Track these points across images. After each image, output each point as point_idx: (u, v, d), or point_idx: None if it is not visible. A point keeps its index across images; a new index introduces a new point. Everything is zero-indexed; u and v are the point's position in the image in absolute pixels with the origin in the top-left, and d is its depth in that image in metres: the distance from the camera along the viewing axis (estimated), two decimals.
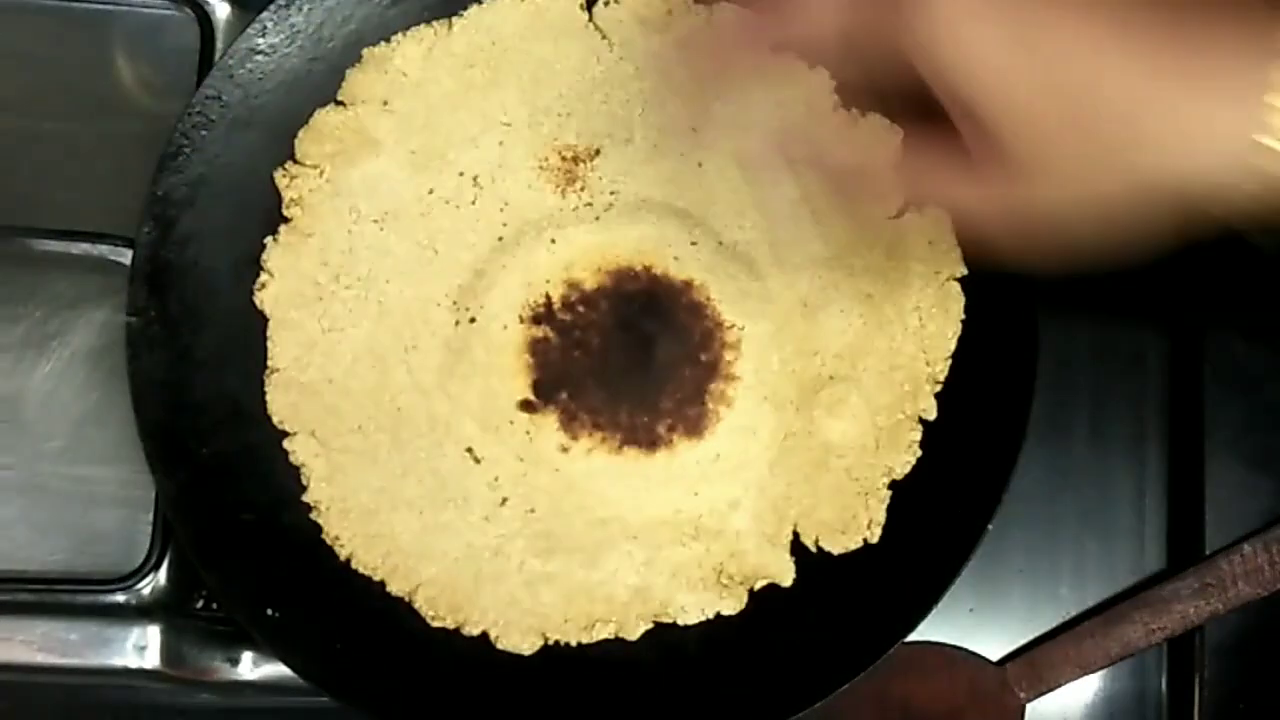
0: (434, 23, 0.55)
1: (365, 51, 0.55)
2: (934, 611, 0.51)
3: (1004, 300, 0.53)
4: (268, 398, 0.52)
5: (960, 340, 0.54)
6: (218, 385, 0.53)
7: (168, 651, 0.55)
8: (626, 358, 0.53)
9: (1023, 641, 0.58)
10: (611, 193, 0.54)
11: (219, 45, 0.60)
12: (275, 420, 0.52)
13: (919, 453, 0.53)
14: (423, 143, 0.54)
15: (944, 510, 0.53)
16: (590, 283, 0.53)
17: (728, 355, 0.53)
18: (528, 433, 0.52)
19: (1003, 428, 0.52)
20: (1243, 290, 0.59)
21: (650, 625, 0.52)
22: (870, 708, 0.56)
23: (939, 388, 0.54)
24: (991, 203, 0.42)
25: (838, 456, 0.53)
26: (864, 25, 0.43)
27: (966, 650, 0.57)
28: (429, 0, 0.56)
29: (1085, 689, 0.58)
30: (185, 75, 0.59)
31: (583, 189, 0.54)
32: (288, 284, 0.53)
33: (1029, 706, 0.56)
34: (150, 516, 0.55)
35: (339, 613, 0.52)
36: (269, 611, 0.51)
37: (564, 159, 0.55)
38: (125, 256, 0.54)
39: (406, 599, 0.51)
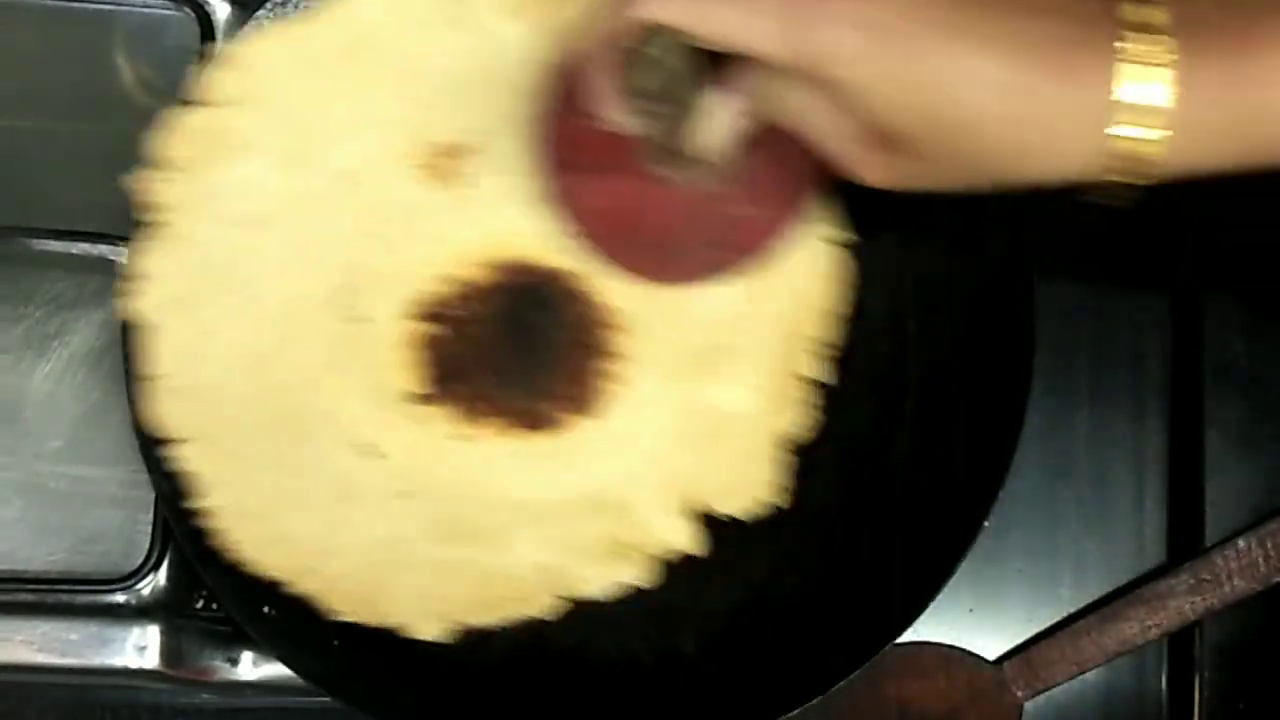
0: (297, 17, 0.54)
1: (226, 48, 0.54)
2: (933, 612, 0.51)
3: (1000, 295, 0.53)
4: (148, 406, 0.51)
5: (957, 337, 0.54)
6: None
7: (168, 651, 0.55)
8: (516, 346, 0.53)
9: (1022, 641, 0.57)
10: (490, 186, 0.54)
11: (219, 45, 0.60)
12: (161, 428, 0.51)
13: (811, 413, 0.54)
14: (294, 142, 0.53)
15: (939, 508, 0.52)
16: (475, 277, 0.53)
17: (611, 336, 0.53)
18: (423, 424, 0.52)
19: (998, 423, 0.52)
20: (1243, 286, 0.59)
21: (559, 602, 0.52)
22: (868, 707, 0.56)
23: (827, 350, 0.54)
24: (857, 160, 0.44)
25: (730, 422, 0.53)
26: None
27: (963, 650, 0.57)
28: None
29: (1085, 689, 0.57)
30: (185, 75, 0.59)
31: (460, 183, 0.54)
32: (163, 290, 0.52)
33: (1028, 706, 0.56)
34: (150, 516, 0.55)
35: None
36: (266, 610, 0.51)
37: (439, 154, 0.54)
38: (125, 256, 0.54)
39: (314, 597, 0.50)
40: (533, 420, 0.53)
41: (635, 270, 0.52)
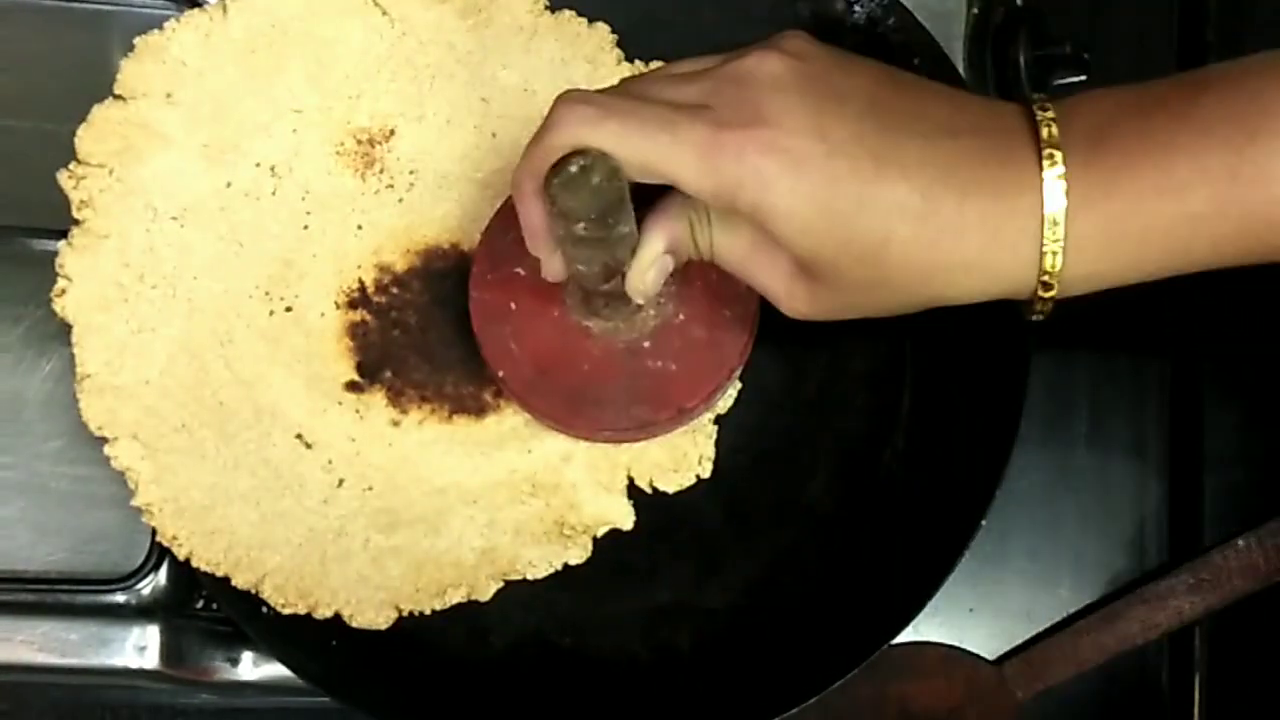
0: (209, 7, 0.54)
1: (139, 40, 0.53)
2: (933, 612, 0.51)
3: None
4: (81, 404, 0.51)
5: (955, 336, 0.54)
6: None
7: (168, 651, 0.55)
8: (445, 332, 0.53)
9: (1022, 641, 0.57)
10: (411, 172, 0.54)
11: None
12: (92, 426, 0.51)
13: (738, 385, 0.54)
14: (213, 134, 0.53)
15: (938, 507, 0.52)
16: (401, 264, 0.54)
17: None
18: (357, 412, 0.52)
19: (997, 423, 0.52)
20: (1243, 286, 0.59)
21: (501, 584, 0.52)
22: (867, 707, 0.56)
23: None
24: (787, 288, 0.45)
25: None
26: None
27: (963, 649, 0.57)
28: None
29: (1085, 688, 0.57)
30: None
31: (382, 171, 0.54)
32: (88, 288, 0.51)
33: (1027, 706, 0.56)
34: None
35: None
36: (265, 610, 0.51)
37: (359, 142, 0.54)
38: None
39: (254, 591, 0.50)
40: (464, 405, 0.53)
41: (557, 421, 0.52)
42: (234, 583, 0.50)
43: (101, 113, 0.52)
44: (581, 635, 0.53)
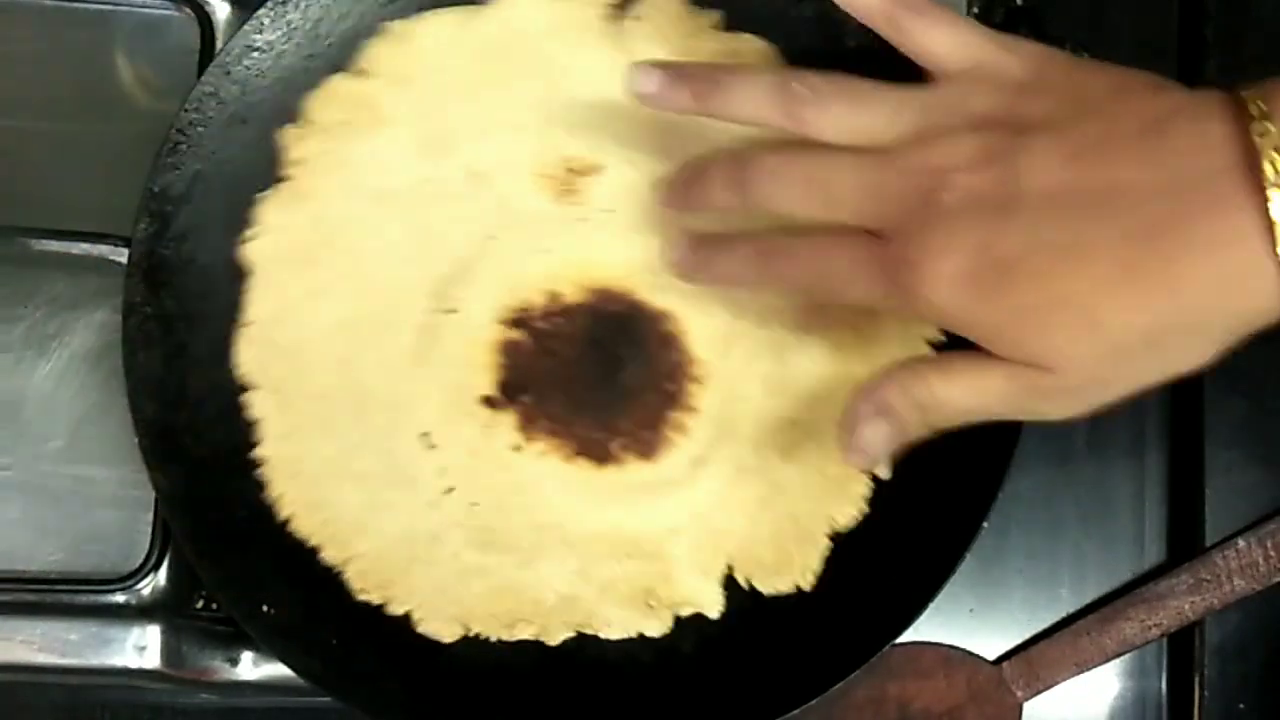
0: (461, 6, 0.55)
1: (388, 24, 0.54)
2: (933, 612, 0.51)
3: None
4: (236, 349, 0.52)
5: (954, 335, 0.54)
6: (214, 381, 0.53)
7: (168, 651, 0.55)
8: (593, 373, 0.53)
9: (1022, 641, 0.57)
10: (607, 210, 0.54)
11: (219, 45, 0.60)
12: (239, 373, 0.52)
13: (865, 509, 0.53)
14: (432, 128, 0.54)
15: (940, 508, 0.52)
16: (571, 296, 0.53)
17: (691, 388, 0.53)
18: (485, 427, 0.52)
19: (998, 423, 0.52)
20: None
21: (572, 633, 0.52)
22: (867, 708, 0.56)
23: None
24: (1004, 389, 0.43)
25: (784, 499, 0.53)
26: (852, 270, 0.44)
27: (963, 650, 0.57)
28: (425, 2, 0.56)
29: (1085, 689, 0.57)
30: (185, 75, 0.59)
31: (580, 202, 0.54)
32: (276, 240, 0.53)
33: (1027, 706, 0.56)
34: (150, 516, 0.55)
35: (335, 610, 0.52)
36: (265, 609, 0.51)
37: (567, 169, 0.54)
38: (125, 256, 0.54)
39: (337, 569, 0.51)
40: (589, 449, 0.52)
41: None
42: (321, 555, 0.51)
43: (337, 82, 0.54)
44: (583, 635, 0.53)
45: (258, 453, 0.52)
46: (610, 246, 0.53)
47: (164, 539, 0.55)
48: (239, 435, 0.53)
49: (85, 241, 0.56)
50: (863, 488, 0.53)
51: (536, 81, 0.54)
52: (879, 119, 0.44)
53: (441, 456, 0.52)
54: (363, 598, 0.51)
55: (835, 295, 0.46)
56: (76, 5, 0.61)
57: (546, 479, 0.52)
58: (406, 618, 0.51)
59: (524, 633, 0.51)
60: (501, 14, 0.55)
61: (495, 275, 0.53)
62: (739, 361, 0.53)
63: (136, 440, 0.52)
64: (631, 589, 0.52)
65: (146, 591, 0.55)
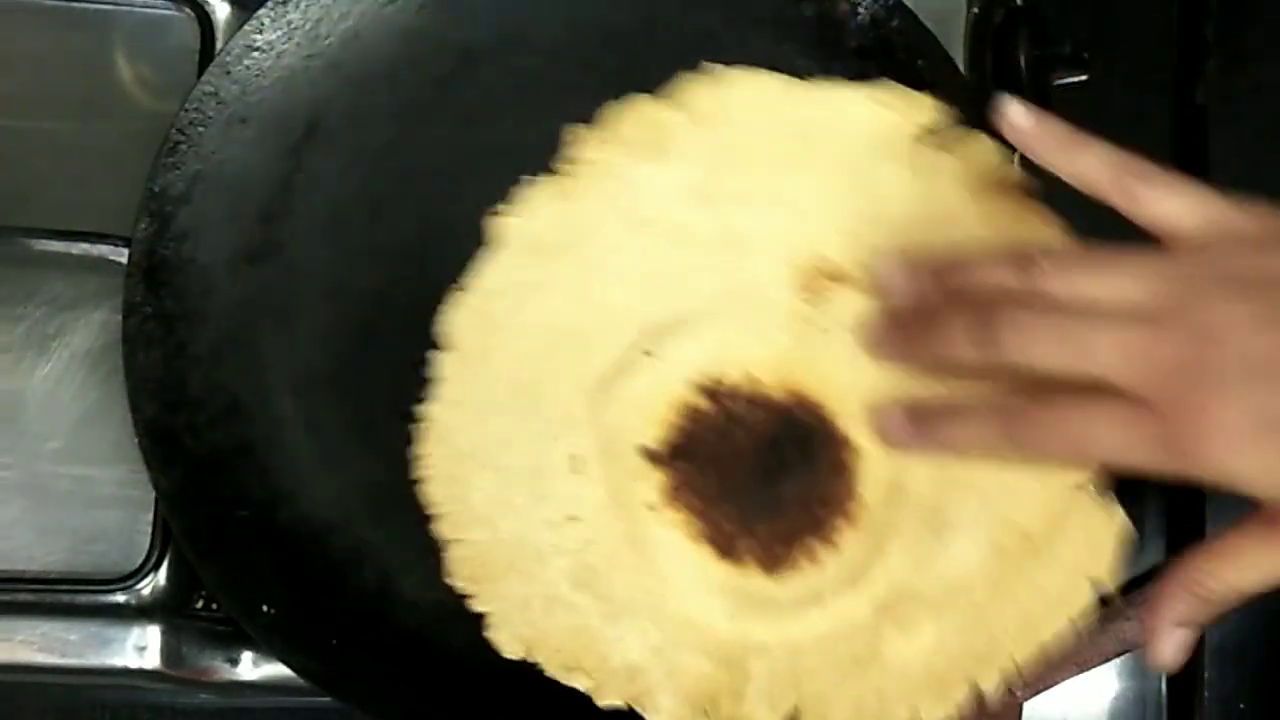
0: (782, 74, 0.54)
1: (709, 65, 0.53)
2: None
3: None
4: (448, 308, 0.52)
5: None
6: (214, 381, 0.53)
7: (168, 651, 0.55)
8: (757, 470, 0.51)
9: None
10: (836, 321, 0.52)
11: (219, 45, 0.60)
12: (442, 330, 0.52)
13: (953, 715, 0.50)
14: (714, 177, 0.53)
15: None
16: (772, 390, 0.52)
17: (840, 523, 0.51)
18: (633, 476, 0.51)
19: None
20: None
21: (622, 704, 0.50)
22: None
23: (1011, 673, 0.50)
24: None
25: (880, 673, 0.50)
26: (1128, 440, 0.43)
27: None
28: (424, 0, 0.56)
29: (1086, 689, 0.57)
30: (185, 75, 0.59)
31: (816, 304, 0.52)
32: (528, 226, 0.53)
33: (1027, 706, 0.56)
34: (150, 516, 0.55)
35: (336, 611, 0.52)
36: (265, 609, 0.51)
37: (819, 270, 0.52)
38: (125, 256, 0.54)
39: (441, 547, 0.51)
40: (719, 539, 0.51)
41: None
42: (432, 525, 0.51)
43: (643, 103, 0.53)
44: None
45: (425, 406, 0.51)
46: (826, 358, 0.52)
47: (164, 539, 0.55)
48: (239, 435, 0.53)
49: (85, 241, 0.56)
50: (960, 694, 0.50)
51: (827, 177, 0.53)
52: (1124, 284, 0.43)
53: (580, 485, 0.52)
54: (448, 581, 0.50)
55: (1090, 461, 0.46)
56: (76, 5, 0.61)
57: (666, 548, 0.51)
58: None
59: (578, 682, 0.50)
60: (825, 96, 0.53)
61: (709, 339, 0.52)
62: (897, 518, 0.51)
63: (136, 440, 0.52)
64: (698, 688, 0.51)
65: (146, 591, 0.55)
